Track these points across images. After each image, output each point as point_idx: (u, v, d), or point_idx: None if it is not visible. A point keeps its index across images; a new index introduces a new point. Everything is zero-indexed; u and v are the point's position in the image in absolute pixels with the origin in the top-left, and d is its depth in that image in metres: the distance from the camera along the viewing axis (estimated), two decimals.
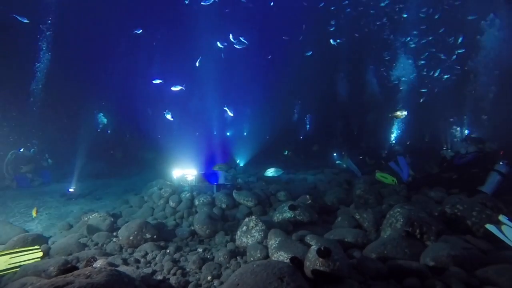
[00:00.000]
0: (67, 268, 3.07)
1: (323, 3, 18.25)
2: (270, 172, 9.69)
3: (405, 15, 15.74)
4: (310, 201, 6.69)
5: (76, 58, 17.78)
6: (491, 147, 8.34)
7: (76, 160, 11.82)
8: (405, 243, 4.11)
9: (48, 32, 15.24)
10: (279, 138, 16.39)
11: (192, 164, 8.76)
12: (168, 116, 10.71)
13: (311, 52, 17.52)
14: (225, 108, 12.95)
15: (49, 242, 5.39)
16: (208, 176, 8.30)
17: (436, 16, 14.46)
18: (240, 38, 12.49)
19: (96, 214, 6.18)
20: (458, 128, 10.32)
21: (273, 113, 18.29)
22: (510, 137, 9.58)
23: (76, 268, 3.02)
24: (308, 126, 19.23)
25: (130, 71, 19.39)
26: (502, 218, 4.18)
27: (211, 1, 11.12)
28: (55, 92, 15.75)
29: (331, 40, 12.01)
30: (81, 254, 4.64)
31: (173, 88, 11.89)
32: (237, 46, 12.24)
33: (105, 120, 18.86)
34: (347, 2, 17.77)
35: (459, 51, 13.49)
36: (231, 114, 12.15)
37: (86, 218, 6.22)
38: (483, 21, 12.50)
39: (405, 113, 10.19)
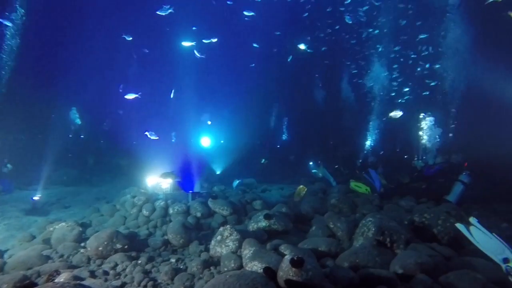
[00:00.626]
0: (24, 285, 2.88)
1: (307, 14, 18.65)
2: (235, 183, 9.96)
3: (376, 31, 16.41)
4: (306, 189, 7.19)
5: (48, 52, 16.67)
6: (456, 159, 8.87)
7: (43, 165, 11.15)
8: (376, 251, 4.23)
9: (15, 16, 12.89)
10: (256, 146, 16.45)
11: (167, 171, 8.55)
12: (152, 137, 10.29)
13: (291, 57, 17.75)
14: (208, 121, 12.65)
15: (6, 255, 5.02)
16: (184, 184, 8.16)
17: (405, 37, 15.18)
18: (204, 40, 12.20)
19: (63, 223, 5.85)
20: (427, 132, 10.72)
21: (250, 120, 18.35)
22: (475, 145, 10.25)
23: (35, 285, 2.84)
24: (285, 134, 19.41)
25: (106, 71, 18.61)
26: (472, 220, 4.39)
27: (167, 12, 11.00)
28: (20, 87, 14.10)
29: (301, 45, 11.81)
30: (43, 268, 4.35)
31: (128, 96, 11.45)
32: (198, 55, 12.12)
33: (78, 121, 17.69)
34: (329, 9, 18.16)
35: (435, 65, 13.96)
36: (209, 123, 11.95)
37: (51, 228, 5.86)
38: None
39: (400, 113, 10.53)
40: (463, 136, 11.26)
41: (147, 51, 17.56)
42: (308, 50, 12.32)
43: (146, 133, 10.16)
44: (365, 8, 16.04)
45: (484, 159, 9.07)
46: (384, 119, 14.05)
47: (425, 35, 13.78)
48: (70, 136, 16.77)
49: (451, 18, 12.58)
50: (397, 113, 10.43)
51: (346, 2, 16.53)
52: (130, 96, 11.36)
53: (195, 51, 11.89)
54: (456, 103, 12.09)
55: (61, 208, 8.28)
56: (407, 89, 15.71)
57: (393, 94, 15.77)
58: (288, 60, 17.86)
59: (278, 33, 18.16)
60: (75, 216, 7.37)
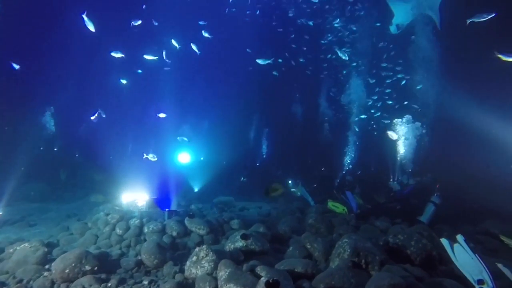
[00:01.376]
0: None
1: (293, 35, 19.21)
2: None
3: (346, 59, 17.24)
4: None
5: (21, 51, 15.83)
6: (428, 180, 9.28)
7: (8, 180, 10.45)
8: (352, 273, 4.26)
9: None
10: (236, 163, 16.40)
11: (143, 188, 8.31)
12: (150, 156, 10.01)
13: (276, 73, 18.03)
14: (186, 138, 12.34)
15: None
16: (160, 201, 7.94)
17: (384, 64, 15.99)
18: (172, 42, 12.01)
19: (26, 244, 5.46)
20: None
21: (230, 137, 18.32)
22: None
23: None
24: (264, 153, 19.48)
25: (84, 75, 17.83)
26: (459, 237, 4.37)
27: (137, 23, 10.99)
28: None
29: (261, 60, 11.37)
30: None
31: (92, 118, 11.46)
32: (167, 62, 12.09)
33: (53, 128, 16.60)
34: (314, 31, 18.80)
35: (420, 87, 14.41)
36: (185, 139, 11.69)
37: (11, 250, 5.45)
38: None
39: (396, 136, 10.49)
40: (434, 158, 11.74)
41: (140, 71, 16.98)
42: (269, 61, 11.92)
43: (145, 155, 9.87)
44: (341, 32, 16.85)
45: (453, 181, 9.51)
46: (357, 143, 14.47)
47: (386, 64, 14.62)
48: (42, 148, 15.81)
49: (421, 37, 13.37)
50: (393, 135, 10.37)
51: (335, 25, 17.25)
52: (93, 117, 11.26)
53: (164, 55, 11.67)
54: (428, 124, 12.60)
55: (26, 226, 7.79)
56: (378, 114, 16.37)
57: (362, 116, 16.31)
58: (273, 74, 18.10)
59: (249, 50, 18.39)
60: (41, 235, 6.95)
